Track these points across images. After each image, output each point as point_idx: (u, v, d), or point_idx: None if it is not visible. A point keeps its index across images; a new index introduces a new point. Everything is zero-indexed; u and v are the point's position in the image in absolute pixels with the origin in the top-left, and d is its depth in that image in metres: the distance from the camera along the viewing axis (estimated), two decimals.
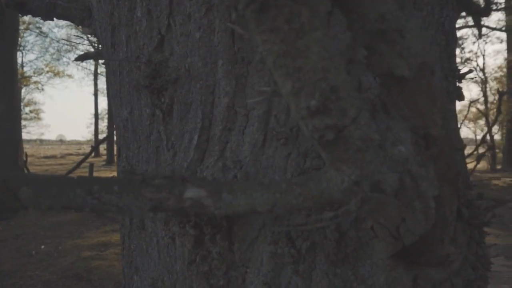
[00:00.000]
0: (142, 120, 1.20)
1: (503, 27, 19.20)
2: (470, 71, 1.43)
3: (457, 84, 1.41)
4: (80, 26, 1.94)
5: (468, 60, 23.77)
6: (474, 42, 23.56)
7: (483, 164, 25.41)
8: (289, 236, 0.92)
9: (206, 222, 0.96)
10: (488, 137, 23.68)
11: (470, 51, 27.20)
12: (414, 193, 0.63)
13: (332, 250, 0.86)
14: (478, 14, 5.10)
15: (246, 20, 0.51)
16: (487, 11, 5.11)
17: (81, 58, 2.66)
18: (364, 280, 0.86)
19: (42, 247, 7.90)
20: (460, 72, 1.45)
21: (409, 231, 0.69)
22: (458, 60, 24.30)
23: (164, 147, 1.14)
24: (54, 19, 2.00)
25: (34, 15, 1.92)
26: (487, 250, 1.31)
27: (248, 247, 0.99)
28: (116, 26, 1.27)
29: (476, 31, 21.33)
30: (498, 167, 22.04)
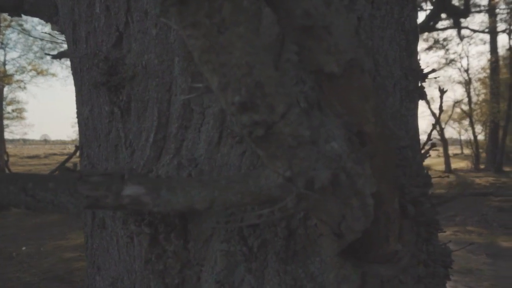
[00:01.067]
0: (101, 118, 1.19)
1: (486, 28, 19.52)
2: (433, 71, 1.45)
3: (420, 83, 1.43)
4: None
5: (452, 61, 24.08)
6: (458, 44, 23.88)
7: (467, 164, 25.81)
8: (241, 234, 0.92)
9: (159, 221, 0.96)
10: (472, 137, 24.01)
11: (455, 53, 27.58)
12: (350, 190, 0.63)
13: (281, 247, 0.86)
14: (458, 15, 5.22)
15: (170, 14, 0.51)
16: (466, 13, 5.23)
17: (59, 56, 2.62)
18: (314, 277, 0.86)
19: (23, 248, 7.77)
20: (423, 72, 1.46)
21: (350, 228, 0.70)
22: (443, 61, 24.64)
23: (122, 145, 1.13)
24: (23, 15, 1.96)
25: (1, 11, 1.89)
26: (443, 247, 1.33)
27: (202, 245, 0.98)
28: (76, 23, 1.26)
29: (461, 32, 21.62)
30: (482, 166, 22.39)
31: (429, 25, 5.03)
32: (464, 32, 20.97)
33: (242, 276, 0.94)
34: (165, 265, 1.00)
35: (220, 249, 0.93)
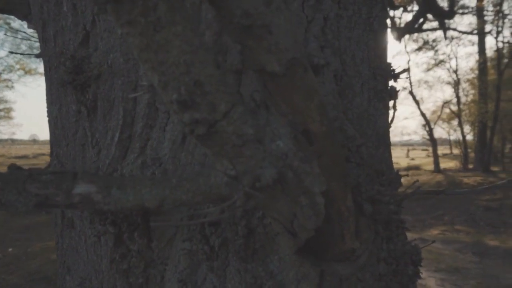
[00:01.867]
0: (69, 117, 1.18)
1: (474, 30, 19.72)
2: (404, 71, 1.46)
3: (392, 83, 1.44)
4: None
5: (441, 62, 24.29)
6: (447, 45, 24.10)
7: (455, 164, 26.06)
8: (203, 233, 0.92)
9: (122, 219, 0.95)
10: (460, 137, 24.24)
11: (444, 53, 27.83)
12: (298, 189, 0.64)
13: (241, 246, 0.86)
14: (443, 17, 5.28)
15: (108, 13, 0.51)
16: (450, 14, 5.30)
17: (39, 55, 2.60)
18: (274, 275, 0.87)
19: (10, 249, 7.68)
20: (395, 72, 1.48)
21: (302, 226, 0.70)
22: (432, 62, 24.81)
23: (89, 144, 1.13)
24: None
25: None
26: (413, 245, 1.34)
27: (166, 244, 0.98)
28: (45, 21, 1.25)
29: (450, 34, 21.82)
30: (470, 166, 22.63)
31: (415, 26, 5.08)
32: (453, 33, 21.17)
33: (204, 275, 0.94)
34: (129, 264, 1.00)
35: (182, 248, 0.93)
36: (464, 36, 20.88)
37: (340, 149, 0.67)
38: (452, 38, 21.73)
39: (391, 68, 1.47)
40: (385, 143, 1.24)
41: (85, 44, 1.12)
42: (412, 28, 4.97)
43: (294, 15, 0.89)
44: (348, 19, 1.14)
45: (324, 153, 0.64)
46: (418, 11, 4.72)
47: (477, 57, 21.23)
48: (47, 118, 1.31)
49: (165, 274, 0.99)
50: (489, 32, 18.69)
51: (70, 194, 0.66)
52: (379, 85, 1.25)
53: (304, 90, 0.58)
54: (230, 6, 0.52)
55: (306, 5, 1.06)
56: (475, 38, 21.35)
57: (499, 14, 17.99)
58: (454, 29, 17.57)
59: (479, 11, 18.80)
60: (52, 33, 1.20)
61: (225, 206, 0.63)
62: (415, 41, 22.84)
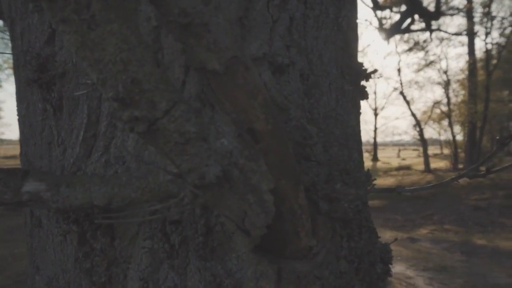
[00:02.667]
0: (36, 116, 1.18)
1: (462, 31, 19.91)
2: (375, 71, 1.47)
3: (363, 83, 1.45)
4: None
5: (432, 62, 24.49)
6: (437, 46, 24.33)
7: (446, 164, 26.30)
8: (164, 232, 0.92)
9: (84, 218, 0.95)
10: (451, 137, 24.47)
11: (434, 54, 28.06)
12: (245, 186, 0.64)
13: (200, 244, 0.87)
14: (429, 18, 5.36)
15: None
16: (436, 16, 5.38)
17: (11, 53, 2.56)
18: (232, 273, 0.87)
19: None
20: (367, 72, 1.49)
21: (253, 224, 0.71)
22: (422, 62, 25.02)
23: (55, 143, 1.12)
24: None
25: None
26: (383, 244, 1.35)
27: (129, 243, 0.98)
28: (13, 19, 1.24)
29: (439, 34, 22.01)
30: (460, 166, 22.84)
31: (402, 27, 5.12)
32: (443, 34, 21.34)
33: (166, 273, 0.94)
34: (92, 263, 0.99)
35: (143, 247, 0.93)
36: (454, 37, 21.08)
37: (289, 147, 0.67)
38: (442, 39, 21.92)
39: (363, 68, 1.48)
40: (354, 143, 1.25)
41: (50, 42, 1.11)
42: (399, 29, 5.00)
43: (234, 14, 0.89)
44: (315, 19, 1.15)
45: (270, 151, 0.64)
46: (404, 12, 4.75)
47: (467, 58, 21.46)
48: None
49: (128, 273, 0.99)
50: (476, 33, 18.90)
51: (19, 192, 0.66)
52: (347, 84, 1.26)
53: (247, 88, 0.58)
54: (168, 4, 0.52)
55: (271, 4, 1.07)
56: (465, 39, 21.56)
57: (488, 16, 18.18)
58: (441, 30, 17.73)
59: (469, 12, 18.99)
60: (19, 31, 1.20)
61: (172, 203, 0.63)
62: (406, 42, 23.00)
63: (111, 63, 0.52)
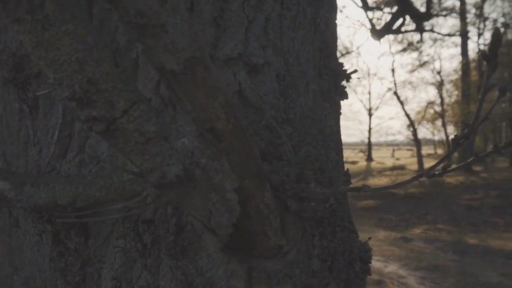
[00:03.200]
0: (13, 116, 1.18)
1: (456, 32, 20.03)
2: (355, 71, 1.48)
3: (344, 82, 1.47)
4: None
5: (426, 63, 24.60)
6: (431, 46, 24.48)
7: None
8: (136, 231, 0.92)
9: (56, 217, 0.95)
10: (444, 137, 24.61)
11: (428, 55, 28.21)
12: (208, 186, 0.65)
13: (171, 243, 0.87)
14: (419, 18, 5.38)
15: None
16: (427, 16, 5.40)
17: None
18: (203, 272, 0.88)
19: None
20: (347, 72, 1.50)
21: (218, 223, 0.71)
22: (416, 62, 25.12)
23: (31, 142, 1.12)
24: None
25: None
26: (362, 243, 1.36)
27: (103, 242, 0.99)
28: None
29: (433, 35, 22.12)
30: (454, 166, 22.95)
31: (393, 28, 5.15)
32: (437, 35, 21.44)
33: (139, 273, 0.94)
34: (66, 262, 1.00)
35: (116, 246, 0.94)
36: (447, 37, 21.21)
37: (253, 147, 0.68)
38: (436, 39, 22.04)
39: (343, 69, 1.49)
40: (332, 142, 1.26)
41: None
42: (390, 29, 5.03)
43: (194, 16, 0.90)
44: (291, 20, 1.16)
45: (233, 151, 0.65)
46: (395, 13, 4.79)
47: (460, 58, 21.60)
48: None
49: (102, 272, 0.99)
50: (467, 35, 19.03)
51: None
52: (325, 84, 1.27)
53: (207, 88, 0.59)
54: (125, 5, 0.53)
55: (246, 5, 1.07)
56: (458, 40, 21.69)
57: (480, 17, 18.31)
58: (433, 31, 17.84)
59: (462, 13, 19.11)
60: None
61: (134, 202, 0.64)
62: (400, 42, 23.10)
63: (66, 63, 0.52)
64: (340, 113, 1.44)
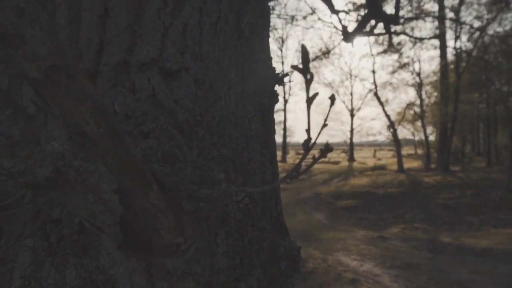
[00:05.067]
0: None
1: (430, 36, 20.42)
2: (286, 75, 1.54)
3: (277, 86, 1.52)
4: None
5: (406, 64, 24.97)
6: (410, 48, 24.92)
7: (419, 164, 26.92)
8: (44, 230, 0.95)
9: None
10: (423, 138, 25.04)
11: (408, 57, 28.67)
12: (84, 186, 0.69)
13: (75, 242, 0.90)
14: (388, 22, 5.40)
15: None
16: (396, 20, 5.44)
17: None
18: (106, 270, 0.91)
19: None
20: (279, 76, 1.55)
21: (103, 222, 0.75)
22: (396, 64, 25.53)
23: None
24: None
25: None
26: (290, 241, 1.41)
27: (15, 241, 1.01)
28: None
29: (412, 38, 22.48)
30: (433, 166, 23.41)
31: (363, 31, 5.26)
32: (416, 37, 21.79)
33: (48, 272, 0.97)
34: None
35: (25, 245, 0.96)
36: (426, 40, 21.58)
37: (131, 150, 0.72)
38: (415, 42, 22.40)
39: (275, 73, 1.54)
40: (257, 144, 1.31)
41: None
42: (360, 32, 5.16)
43: (55, 26, 0.93)
44: (211, 26, 1.20)
45: (108, 153, 0.69)
46: (364, 16, 4.90)
47: (439, 60, 22.02)
48: None
49: (14, 272, 1.01)
50: (437, 37, 19.40)
51: None
52: (250, 88, 1.31)
53: (72, 95, 0.63)
54: None
55: (162, 12, 1.11)
56: (437, 42, 22.13)
57: (457, 21, 18.70)
58: (405, 34, 18.16)
59: (440, 16, 19.48)
60: None
61: (10, 201, 0.67)
62: (381, 44, 23.41)
63: None
64: (271, 116, 1.48)
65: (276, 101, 1.51)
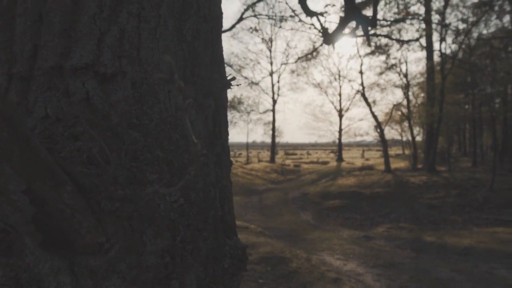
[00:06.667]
0: None
1: (421, 36, 20.66)
2: (233, 79, 1.58)
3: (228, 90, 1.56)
4: None
5: (393, 66, 25.20)
6: (398, 50, 25.17)
7: (406, 164, 27.18)
8: None
9: None
10: (410, 138, 25.28)
11: (395, 58, 28.94)
12: None
13: None
14: (367, 24, 5.42)
15: None
16: (373, 22, 5.49)
17: None
18: (31, 268, 0.94)
19: None
20: (227, 79, 1.59)
21: (15, 222, 0.78)
22: (384, 65, 25.71)
23: None
24: None
25: None
26: (235, 240, 1.45)
27: None
28: None
29: (399, 39, 22.70)
30: (420, 166, 23.64)
31: (342, 33, 5.34)
32: (402, 39, 22.02)
33: None
34: None
35: None
36: (413, 41, 21.81)
37: (40, 153, 0.75)
38: (402, 43, 22.62)
39: (223, 76, 1.58)
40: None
41: None
42: (340, 33, 5.22)
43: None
44: (150, 31, 1.23)
45: (15, 156, 0.72)
46: (342, 19, 4.97)
47: (425, 62, 22.27)
48: None
49: None
50: (418, 40, 19.64)
51: None
52: (191, 92, 1.35)
53: None
54: None
55: (98, 17, 1.14)
56: (424, 44, 22.37)
57: (442, 23, 18.94)
58: (388, 37, 18.36)
59: (426, 18, 19.72)
60: None
61: None
62: (369, 45, 23.60)
63: None
64: (220, 118, 1.52)
65: (225, 103, 1.55)
